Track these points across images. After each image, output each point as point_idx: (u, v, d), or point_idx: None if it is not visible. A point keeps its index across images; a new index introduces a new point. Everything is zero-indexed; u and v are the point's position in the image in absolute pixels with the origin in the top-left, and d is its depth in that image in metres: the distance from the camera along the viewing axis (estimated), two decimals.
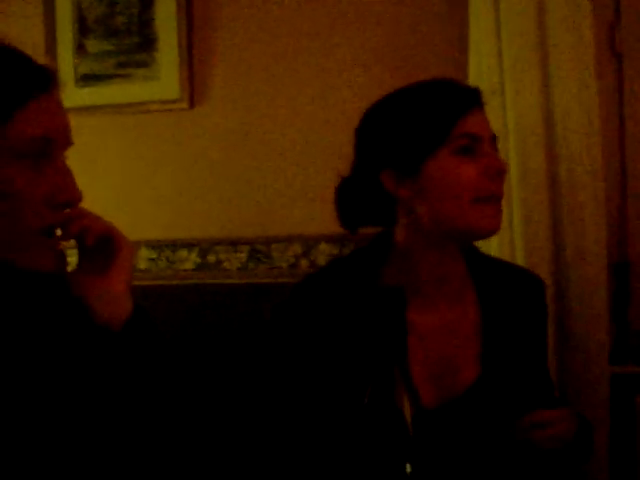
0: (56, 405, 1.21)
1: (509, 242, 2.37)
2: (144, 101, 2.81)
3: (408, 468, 0.97)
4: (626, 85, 2.53)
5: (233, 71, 2.77)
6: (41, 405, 1.20)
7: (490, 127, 1.59)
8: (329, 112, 2.68)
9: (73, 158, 1.24)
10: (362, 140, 1.64)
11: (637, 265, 2.52)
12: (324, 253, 2.68)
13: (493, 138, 1.58)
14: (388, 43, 2.64)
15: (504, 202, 1.60)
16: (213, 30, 2.78)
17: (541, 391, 1.67)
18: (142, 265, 2.82)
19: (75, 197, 1.21)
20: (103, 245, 1.28)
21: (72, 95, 2.68)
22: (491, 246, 2.30)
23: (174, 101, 2.78)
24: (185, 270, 2.82)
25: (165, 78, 2.78)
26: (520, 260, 2.33)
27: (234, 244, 2.77)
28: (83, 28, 2.84)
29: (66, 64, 2.78)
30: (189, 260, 2.81)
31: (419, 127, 1.53)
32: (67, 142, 1.22)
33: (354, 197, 1.65)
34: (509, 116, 2.38)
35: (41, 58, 1.23)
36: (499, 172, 1.54)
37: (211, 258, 2.79)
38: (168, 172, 2.84)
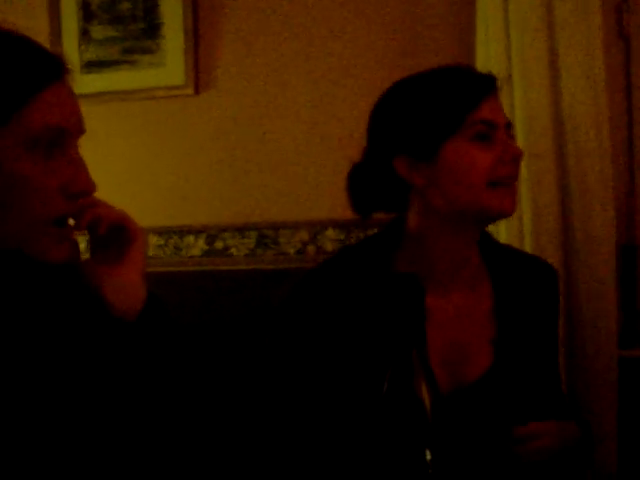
0: (70, 396, 1.21)
1: (518, 226, 2.37)
2: (149, 87, 2.81)
3: (428, 455, 0.97)
4: (633, 67, 2.52)
5: (239, 57, 2.77)
6: (56, 396, 1.20)
7: (504, 114, 1.59)
8: (336, 98, 2.68)
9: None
10: (376, 125, 1.63)
11: None
12: (331, 239, 2.67)
13: (508, 125, 1.58)
14: (395, 33, 2.63)
15: None
16: (219, 16, 2.77)
17: (548, 387, 1.67)
18: (149, 252, 2.80)
19: (89, 188, 1.20)
20: (116, 234, 1.27)
21: (77, 82, 2.66)
22: (500, 232, 2.30)
23: (179, 87, 2.78)
24: (192, 257, 2.82)
25: (170, 64, 2.77)
26: (529, 245, 2.33)
27: (241, 230, 2.76)
28: (87, 14, 2.83)
29: (71, 51, 2.77)
30: (196, 246, 2.81)
31: (435, 113, 1.53)
32: (80, 130, 1.22)
33: (366, 183, 1.65)
34: (517, 102, 2.37)
35: (45, 45, 1.23)
36: (515, 158, 1.54)
37: (218, 244, 2.79)
38: (174, 158, 2.83)
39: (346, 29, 2.67)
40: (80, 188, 1.19)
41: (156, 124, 2.84)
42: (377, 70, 2.61)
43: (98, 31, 2.82)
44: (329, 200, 2.64)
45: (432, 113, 1.53)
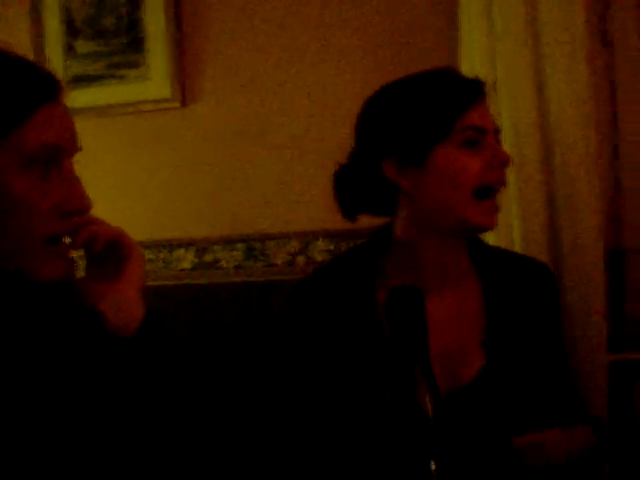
0: (69, 413, 1.21)
1: (506, 232, 2.38)
2: (136, 101, 2.81)
3: (433, 465, 0.97)
4: (617, 74, 2.54)
5: (224, 68, 2.77)
6: (54, 413, 1.20)
7: (493, 119, 1.60)
8: (322, 108, 2.68)
9: None
10: (364, 128, 1.63)
11: (632, 252, 2.53)
12: (321, 250, 2.67)
13: (496, 130, 1.59)
14: (381, 42, 2.63)
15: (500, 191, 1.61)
16: (203, 28, 2.77)
17: (552, 389, 1.66)
18: None
19: (84, 206, 1.20)
20: (112, 251, 1.27)
21: None
22: (488, 238, 2.31)
23: (166, 100, 2.78)
24: (182, 270, 2.82)
25: (156, 77, 2.77)
26: (517, 250, 2.34)
27: (231, 242, 2.76)
28: (71, 29, 2.82)
29: (56, 66, 2.75)
30: (186, 260, 2.81)
31: (424, 118, 1.53)
32: (75, 148, 1.22)
33: (354, 184, 1.65)
34: (502, 108, 2.38)
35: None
36: (503, 163, 1.56)
37: (208, 257, 2.79)
38: (162, 172, 2.83)
39: (333, 39, 2.67)
40: (76, 206, 1.19)
41: (143, 138, 2.84)
42: (365, 80, 2.61)
43: (82, 46, 2.82)
44: (318, 211, 2.63)
45: (422, 118, 1.54)
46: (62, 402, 1.20)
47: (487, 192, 1.55)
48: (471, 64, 2.39)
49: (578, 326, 2.34)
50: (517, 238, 2.38)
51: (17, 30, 2.84)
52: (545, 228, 2.38)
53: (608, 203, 2.50)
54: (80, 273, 1.26)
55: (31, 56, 2.56)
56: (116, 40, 2.79)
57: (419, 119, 1.54)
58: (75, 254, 1.24)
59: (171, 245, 2.82)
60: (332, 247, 2.65)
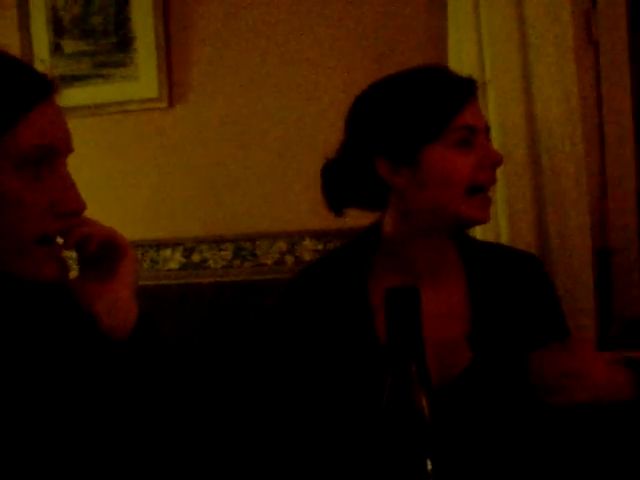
0: (63, 415, 1.21)
1: (493, 231, 2.39)
2: (123, 101, 2.80)
3: (429, 465, 0.98)
4: (603, 73, 2.55)
5: (212, 68, 2.76)
6: (48, 415, 1.19)
7: (484, 118, 1.60)
8: (310, 108, 2.69)
9: None
10: (356, 124, 1.62)
11: (618, 252, 2.54)
12: (309, 249, 2.68)
13: (487, 129, 1.59)
14: (368, 42, 2.64)
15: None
16: (190, 28, 2.76)
17: None
18: None
19: (78, 207, 1.20)
20: (105, 252, 1.27)
21: None
22: (475, 235, 2.32)
23: (153, 100, 2.78)
24: (170, 270, 2.81)
25: (143, 77, 2.77)
26: None
27: (218, 242, 2.76)
28: (59, 29, 2.81)
29: (42, 65, 2.75)
30: (173, 260, 2.80)
31: (417, 117, 1.53)
32: (68, 149, 1.22)
33: (344, 179, 1.64)
34: (490, 106, 2.39)
35: None
36: (495, 163, 1.56)
37: (196, 257, 2.78)
38: (149, 171, 2.82)
39: (321, 39, 2.68)
40: (70, 207, 1.18)
41: (130, 138, 2.83)
42: (353, 79, 2.61)
43: (70, 45, 2.81)
44: (306, 210, 2.64)
45: (416, 117, 1.53)
46: (56, 404, 1.20)
47: (479, 189, 1.56)
48: (459, 63, 2.40)
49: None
50: (504, 237, 2.40)
51: (4, 29, 2.83)
52: (533, 227, 2.40)
53: (594, 202, 2.51)
54: (73, 274, 1.26)
55: (18, 56, 2.55)
56: (104, 40, 2.78)
57: (413, 118, 1.53)
58: (68, 255, 1.23)
59: (158, 245, 2.81)
60: (320, 246, 2.66)
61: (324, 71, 2.67)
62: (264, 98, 2.73)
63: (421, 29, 2.60)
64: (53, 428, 1.19)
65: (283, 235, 2.71)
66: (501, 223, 2.40)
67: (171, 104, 2.78)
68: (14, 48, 2.76)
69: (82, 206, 1.20)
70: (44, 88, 1.18)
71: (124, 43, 2.77)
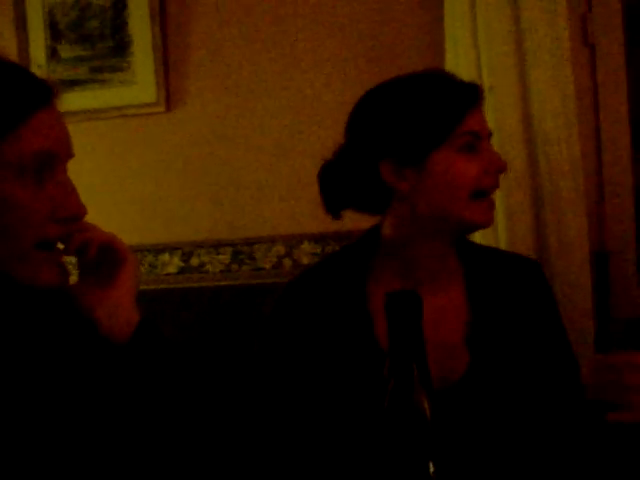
0: (65, 419, 1.21)
1: (492, 235, 2.39)
2: (121, 106, 2.80)
3: (431, 467, 0.98)
4: (599, 76, 2.56)
5: (209, 73, 2.77)
6: (50, 419, 1.19)
7: (487, 123, 1.60)
8: (308, 111, 2.69)
9: None
10: (359, 128, 1.62)
11: (616, 254, 2.55)
12: (307, 252, 2.68)
13: (490, 135, 1.60)
14: (366, 44, 2.65)
15: None
16: (187, 32, 2.77)
17: (559, 374, 1.65)
18: None
19: (78, 212, 1.20)
20: (105, 257, 1.27)
21: None
22: (475, 238, 2.32)
23: (151, 105, 2.78)
24: (168, 274, 2.81)
25: (141, 82, 2.77)
26: None
27: (216, 246, 2.76)
28: (55, 34, 2.82)
29: (39, 70, 2.76)
30: (172, 264, 2.80)
31: (426, 121, 1.53)
32: (69, 154, 1.22)
33: (344, 183, 1.63)
34: (488, 110, 2.39)
35: None
36: (499, 169, 1.57)
37: (194, 261, 2.78)
38: (147, 176, 2.82)
39: (318, 44, 2.68)
40: (70, 213, 1.18)
41: (128, 142, 2.83)
42: (349, 83, 2.62)
43: (66, 50, 2.81)
44: (304, 214, 2.64)
45: (422, 121, 1.53)
46: (57, 408, 1.20)
47: (482, 194, 1.56)
48: (456, 68, 2.40)
49: (566, 327, 2.35)
50: (503, 240, 2.40)
51: (1, 34, 2.83)
52: (531, 230, 2.40)
53: (591, 205, 2.51)
54: (73, 279, 1.26)
55: (15, 61, 2.56)
56: (101, 44, 2.78)
57: (420, 122, 1.53)
58: (68, 260, 1.23)
59: (157, 249, 2.81)
60: (318, 250, 2.66)
61: (321, 75, 2.68)
62: (261, 102, 2.73)
63: (418, 33, 2.60)
64: (55, 432, 1.19)
65: (281, 239, 2.71)
66: (500, 226, 2.41)
67: (168, 108, 2.78)
68: (11, 53, 2.74)
69: (83, 211, 1.20)
70: (44, 94, 1.18)
71: (121, 47, 2.77)
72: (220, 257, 2.76)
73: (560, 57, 2.36)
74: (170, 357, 1.28)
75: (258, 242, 2.73)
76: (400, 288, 1.35)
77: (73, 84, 2.80)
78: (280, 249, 2.71)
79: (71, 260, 1.25)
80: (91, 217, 1.31)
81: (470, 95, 1.56)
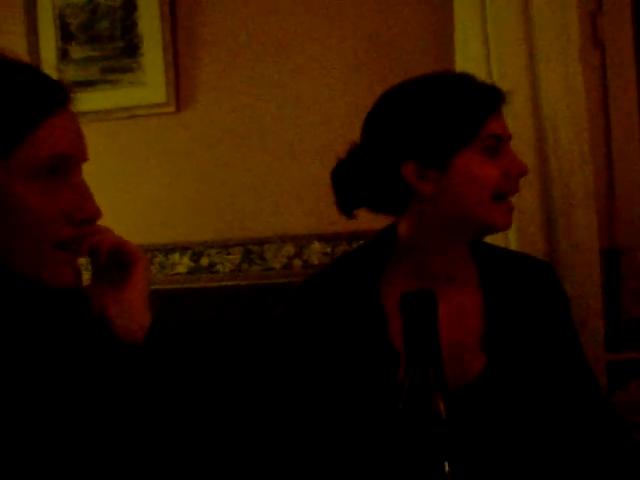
0: (78, 420, 1.21)
1: (502, 233, 2.38)
2: (131, 106, 2.81)
3: (446, 467, 0.98)
4: (609, 73, 2.56)
5: (219, 73, 2.77)
6: (63, 420, 1.20)
7: (508, 127, 1.59)
8: (318, 112, 2.69)
9: None
10: (381, 127, 1.59)
11: (626, 252, 2.55)
12: (317, 252, 2.68)
13: (509, 138, 1.59)
14: (374, 43, 2.64)
15: None
16: (198, 33, 2.77)
17: (573, 377, 1.65)
18: None
19: (92, 214, 1.20)
20: (117, 259, 1.27)
21: None
22: (485, 238, 2.32)
23: (161, 105, 2.78)
24: (178, 274, 2.82)
25: (151, 82, 2.78)
26: None
27: (226, 246, 2.77)
28: (66, 35, 2.82)
29: (50, 72, 2.75)
30: (182, 264, 2.81)
31: (450, 124, 1.52)
32: (84, 158, 1.22)
33: (361, 182, 1.62)
34: None
35: None
36: (520, 174, 1.56)
37: (204, 261, 2.79)
38: (158, 176, 2.83)
39: (326, 42, 2.68)
40: (85, 215, 1.19)
41: (138, 142, 2.84)
42: (359, 82, 2.62)
43: (77, 51, 2.82)
44: (314, 214, 2.65)
45: (447, 123, 1.52)
46: (71, 410, 1.20)
47: (502, 197, 1.56)
48: (466, 66, 2.40)
49: (576, 326, 2.35)
50: (513, 239, 2.40)
51: (12, 35, 2.84)
52: (541, 228, 2.40)
53: (602, 203, 2.51)
54: (87, 281, 1.26)
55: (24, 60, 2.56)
56: (111, 45, 2.79)
57: (445, 124, 1.52)
58: (83, 262, 1.24)
59: (166, 249, 2.82)
60: (328, 250, 2.66)
61: (333, 74, 2.68)
62: (271, 102, 2.73)
63: (427, 33, 2.60)
64: (68, 432, 1.19)
65: (291, 239, 2.71)
66: None
67: (179, 109, 2.79)
68: (22, 54, 2.76)
69: (97, 214, 1.21)
70: (60, 96, 1.18)
71: (131, 48, 2.78)
72: (230, 257, 2.76)
73: (570, 55, 2.36)
74: (183, 358, 1.28)
75: (268, 242, 2.73)
76: (415, 289, 1.34)
77: (84, 85, 2.79)
78: (290, 249, 2.71)
79: (81, 261, 1.25)
80: (102, 218, 1.32)
81: (493, 98, 1.55)
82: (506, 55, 2.39)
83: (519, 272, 1.67)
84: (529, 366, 1.59)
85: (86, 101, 2.88)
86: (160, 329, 1.27)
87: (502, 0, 2.38)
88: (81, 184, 1.20)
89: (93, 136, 2.90)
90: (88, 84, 2.81)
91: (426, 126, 1.53)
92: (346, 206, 1.65)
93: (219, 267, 2.78)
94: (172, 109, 2.78)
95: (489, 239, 2.29)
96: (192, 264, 2.80)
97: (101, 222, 1.28)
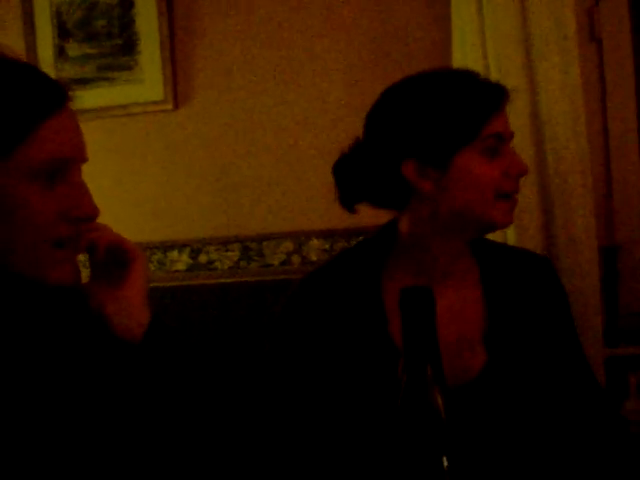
0: (76, 418, 1.21)
1: (501, 232, 2.39)
2: (128, 104, 2.81)
3: (445, 462, 0.98)
4: (607, 70, 2.56)
5: (217, 70, 2.77)
6: (61, 418, 1.20)
7: (510, 125, 1.57)
8: (315, 109, 2.69)
9: None
10: (382, 125, 1.58)
11: (624, 249, 2.55)
12: (316, 249, 2.68)
13: (511, 136, 1.57)
14: (372, 40, 2.64)
15: None
16: (195, 30, 2.77)
17: (572, 373, 1.65)
18: None
19: (90, 213, 1.20)
20: (115, 257, 1.27)
21: None
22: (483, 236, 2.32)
23: (158, 103, 2.79)
24: (177, 271, 2.82)
25: (148, 80, 2.78)
26: None
27: (225, 243, 2.77)
28: (63, 32, 2.83)
29: (47, 69, 2.75)
30: (180, 261, 2.81)
31: (451, 123, 1.51)
32: (83, 159, 1.22)
33: (363, 178, 1.61)
34: None
35: None
36: (520, 174, 1.55)
37: (202, 258, 2.79)
38: (155, 173, 2.83)
39: (325, 41, 2.69)
40: (82, 213, 1.18)
41: (136, 140, 2.84)
42: (357, 80, 2.62)
43: (74, 49, 2.82)
44: (313, 210, 2.65)
45: (448, 122, 1.51)
46: (69, 408, 1.20)
47: (504, 196, 1.55)
48: (464, 63, 2.40)
49: (575, 322, 2.35)
50: (511, 235, 2.40)
51: (9, 33, 2.83)
52: (539, 225, 2.40)
53: (600, 200, 2.51)
54: (85, 279, 1.26)
55: (23, 59, 2.55)
56: (108, 43, 2.79)
57: (446, 123, 1.51)
58: (82, 259, 1.24)
59: (165, 246, 2.82)
60: (327, 246, 2.67)
61: (330, 71, 2.68)
62: (269, 100, 2.73)
63: (424, 31, 2.61)
64: (66, 430, 1.19)
65: (290, 235, 2.72)
66: None
67: (176, 106, 2.79)
68: (19, 52, 2.76)
69: (95, 212, 1.20)
70: (59, 96, 1.17)
71: (128, 46, 2.78)
72: (229, 254, 2.77)
73: (567, 52, 2.36)
74: (182, 356, 1.28)
75: (267, 239, 2.73)
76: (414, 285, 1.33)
77: (81, 82, 2.80)
78: (289, 245, 2.72)
79: (80, 259, 1.25)
80: (100, 215, 1.32)
81: (496, 96, 1.54)
82: (503, 52, 2.39)
83: (519, 267, 1.67)
84: (529, 361, 1.59)
85: (83, 99, 2.89)
86: (159, 327, 1.27)
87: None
88: (79, 183, 1.19)
89: (90, 134, 2.90)
90: (85, 82, 2.81)
91: (426, 125, 1.52)
92: (347, 200, 1.64)
93: (218, 264, 2.78)
94: (169, 106, 2.78)
95: (487, 235, 2.31)
96: (191, 261, 2.80)
97: (99, 220, 1.28)
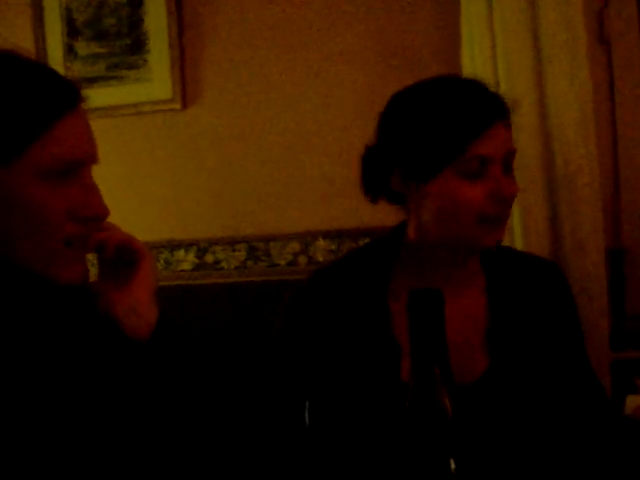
0: (85, 416, 1.21)
1: (507, 231, 2.38)
2: (137, 103, 2.82)
3: (452, 464, 0.98)
4: (616, 72, 2.55)
5: (225, 70, 2.77)
6: (69, 416, 1.20)
7: (508, 142, 1.51)
8: (323, 109, 2.69)
9: None
10: (381, 130, 1.59)
11: (631, 251, 2.55)
12: (322, 249, 2.68)
13: (510, 153, 1.51)
14: (381, 41, 2.64)
15: None
16: (204, 29, 2.77)
17: (578, 378, 1.65)
18: None
19: (99, 212, 1.20)
20: (124, 256, 1.28)
21: None
22: None
23: (167, 102, 2.79)
24: (183, 271, 2.82)
25: (157, 79, 2.78)
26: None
27: (232, 243, 2.77)
28: (72, 31, 2.83)
29: (56, 67, 2.76)
30: (187, 260, 2.81)
31: (432, 142, 1.47)
32: (94, 160, 1.22)
33: (375, 173, 1.61)
34: None
35: None
36: (504, 199, 1.47)
37: (209, 258, 2.79)
38: (163, 173, 2.83)
39: (334, 42, 2.68)
40: (91, 212, 1.19)
41: (144, 139, 2.84)
42: (367, 81, 2.62)
43: (83, 47, 2.83)
44: (319, 211, 2.65)
45: (430, 141, 1.48)
46: (77, 406, 1.21)
47: (490, 221, 1.49)
48: (472, 65, 2.40)
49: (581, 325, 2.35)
50: (518, 237, 2.40)
51: (18, 32, 2.84)
52: (546, 227, 2.40)
53: (607, 202, 2.51)
54: (94, 278, 1.27)
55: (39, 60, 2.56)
56: (117, 41, 2.80)
57: (427, 141, 1.48)
58: (91, 258, 1.24)
59: (172, 246, 2.83)
60: (333, 247, 2.66)
61: (338, 72, 2.68)
62: (277, 100, 2.73)
63: (433, 32, 2.60)
64: (74, 428, 1.20)
65: (296, 236, 2.72)
66: (515, 223, 2.40)
67: (185, 105, 2.79)
68: (28, 51, 2.77)
69: (105, 212, 1.21)
70: (72, 97, 1.17)
71: (137, 45, 2.79)
72: (235, 254, 2.77)
73: (576, 53, 2.36)
74: (189, 354, 1.29)
75: (273, 239, 2.74)
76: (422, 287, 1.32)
77: (90, 81, 2.80)
78: (295, 246, 2.72)
79: (88, 258, 1.26)
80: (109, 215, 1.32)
81: (486, 114, 1.47)
82: (512, 55, 2.38)
83: (525, 273, 1.66)
84: (532, 366, 1.58)
85: (92, 97, 2.90)
86: (166, 325, 1.27)
87: (508, 0, 2.38)
88: (89, 183, 1.20)
89: (99, 132, 2.91)
90: (94, 80, 2.81)
91: (409, 139, 1.51)
92: (368, 191, 1.63)
93: (224, 264, 2.78)
94: (178, 106, 2.79)
95: None
96: (197, 261, 2.81)
97: (107, 219, 1.29)
